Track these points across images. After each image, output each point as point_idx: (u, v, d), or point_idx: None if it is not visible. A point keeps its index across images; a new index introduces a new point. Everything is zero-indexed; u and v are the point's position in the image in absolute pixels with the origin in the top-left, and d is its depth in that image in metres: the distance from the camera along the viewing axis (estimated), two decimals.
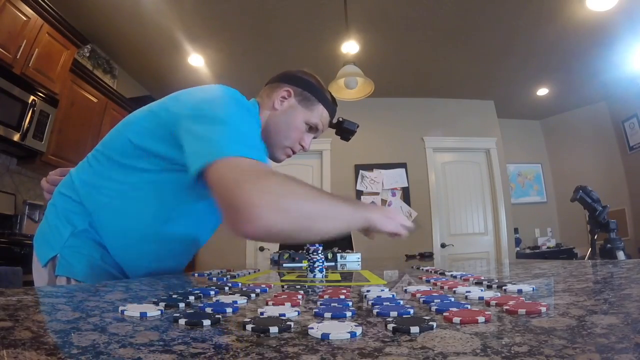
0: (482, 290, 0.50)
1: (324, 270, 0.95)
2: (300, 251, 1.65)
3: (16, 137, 2.45)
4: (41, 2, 2.54)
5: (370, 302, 0.44)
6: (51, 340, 0.28)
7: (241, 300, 0.47)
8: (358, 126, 1.18)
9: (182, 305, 0.43)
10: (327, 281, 0.84)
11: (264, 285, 0.61)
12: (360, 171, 4.47)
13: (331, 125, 1.12)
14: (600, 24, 3.25)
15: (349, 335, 0.28)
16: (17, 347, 0.25)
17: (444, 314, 0.34)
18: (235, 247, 4.23)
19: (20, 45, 2.44)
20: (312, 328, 0.30)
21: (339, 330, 0.29)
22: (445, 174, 4.64)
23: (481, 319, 0.32)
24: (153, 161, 0.82)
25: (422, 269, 1.06)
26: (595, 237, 2.64)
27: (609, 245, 2.53)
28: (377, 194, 4.41)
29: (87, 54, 3.41)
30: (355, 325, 0.30)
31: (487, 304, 0.41)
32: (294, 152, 1.04)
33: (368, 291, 0.53)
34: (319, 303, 0.44)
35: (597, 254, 2.61)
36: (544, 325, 0.29)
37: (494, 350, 0.23)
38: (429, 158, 4.55)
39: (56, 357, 0.24)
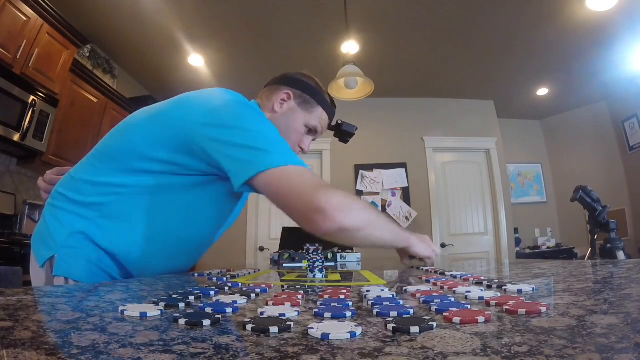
0: (482, 290, 0.50)
1: (324, 270, 0.95)
2: (300, 251, 1.65)
3: (16, 137, 2.46)
4: (41, 2, 2.54)
5: (370, 302, 0.44)
6: (51, 340, 0.28)
7: (241, 300, 0.47)
8: (357, 129, 1.18)
9: (182, 305, 0.43)
10: (327, 281, 0.84)
11: (264, 285, 0.61)
12: (360, 171, 4.47)
13: (330, 127, 1.12)
14: (600, 24, 3.26)
15: (349, 335, 0.28)
16: (17, 347, 0.25)
17: (444, 314, 0.34)
18: (235, 247, 4.23)
19: (20, 45, 2.44)
20: (312, 328, 0.30)
21: (339, 330, 0.29)
22: (445, 174, 4.64)
23: (481, 319, 0.32)
24: (159, 165, 0.82)
25: (422, 269, 1.06)
26: (595, 237, 2.64)
27: (609, 245, 2.53)
28: (377, 194, 4.41)
29: (87, 54, 3.41)
30: (355, 325, 0.30)
31: (487, 304, 0.41)
32: None
33: (368, 291, 0.53)
34: (319, 303, 0.44)
35: (597, 254, 2.61)
36: (544, 325, 0.29)
37: (494, 350, 0.23)
38: (429, 158, 4.55)
39: (56, 357, 0.24)
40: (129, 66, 3.93)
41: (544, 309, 0.34)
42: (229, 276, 0.87)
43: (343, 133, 1.17)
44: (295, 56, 3.73)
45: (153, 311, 0.37)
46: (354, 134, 1.18)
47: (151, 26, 3.23)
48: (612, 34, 3.40)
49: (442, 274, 0.83)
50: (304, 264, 1.43)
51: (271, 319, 0.34)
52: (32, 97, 2.54)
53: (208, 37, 3.46)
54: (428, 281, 0.68)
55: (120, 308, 0.39)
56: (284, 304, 0.43)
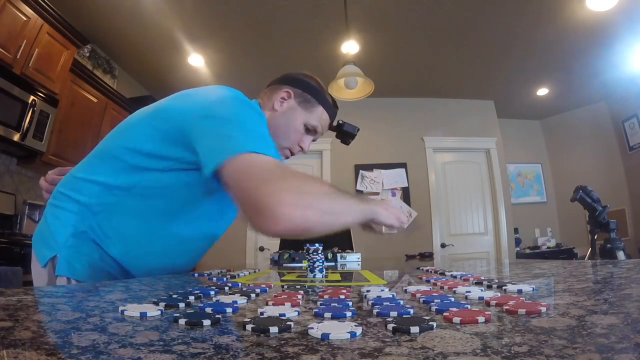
0: (482, 290, 0.50)
1: (324, 270, 0.95)
2: (300, 251, 1.65)
3: (16, 137, 2.45)
4: (41, 2, 2.54)
5: (370, 302, 0.44)
6: (51, 340, 0.28)
7: (241, 300, 0.47)
8: (359, 129, 1.17)
9: (182, 305, 0.43)
10: (327, 281, 0.84)
11: (264, 285, 0.61)
12: (360, 171, 4.47)
13: (331, 127, 1.12)
14: (600, 24, 3.25)
15: (349, 335, 0.28)
16: (17, 347, 0.25)
17: (444, 314, 0.34)
18: (235, 247, 4.23)
19: (20, 45, 2.44)
20: (312, 328, 0.30)
21: (339, 330, 0.29)
22: (445, 174, 4.64)
23: (481, 319, 0.32)
24: (161, 161, 0.82)
25: (422, 269, 1.06)
26: (595, 237, 2.64)
27: (609, 245, 2.53)
28: (377, 194, 4.41)
29: (87, 54, 3.41)
30: (355, 325, 0.30)
31: (487, 304, 0.41)
32: (292, 154, 1.04)
33: (368, 291, 0.53)
34: (319, 303, 0.44)
35: (597, 254, 2.60)
36: (544, 325, 0.29)
37: (494, 350, 0.23)
38: (429, 158, 4.55)
39: (56, 357, 0.24)
40: (129, 66, 3.93)
41: (544, 309, 0.34)
42: (229, 276, 0.87)
43: (344, 134, 1.16)
44: (295, 56, 3.73)
45: (153, 311, 0.37)
46: (356, 135, 1.17)
47: (151, 26, 3.23)
48: (612, 34, 3.40)
49: (442, 274, 0.83)
50: (304, 264, 1.43)
51: (271, 319, 0.34)
52: (32, 97, 2.54)
53: (208, 37, 3.46)
54: (428, 281, 0.68)
55: (120, 308, 0.39)
56: (284, 304, 0.43)
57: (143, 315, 0.36)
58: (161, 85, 4.14)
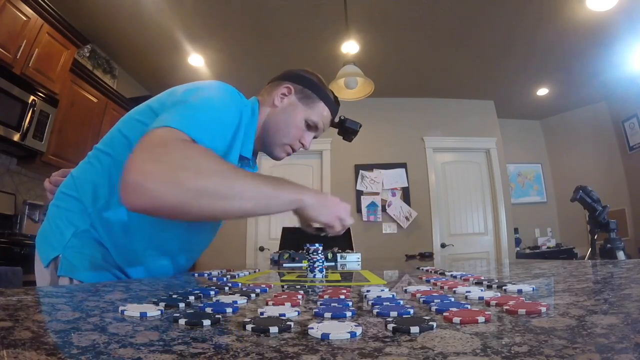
0: (482, 290, 0.50)
1: (324, 270, 0.95)
2: (300, 251, 1.65)
3: (16, 137, 2.45)
4: (41, 2, 2.54)
5: (370, 302, 0.44)
6: (51, 340, 0.28)
7: (241, 300, 0.47)
8: (361, 126, 1.15)
9: (182, 305, 0.43)
10: (327, 281, 0.84)
11: (264, 285, 0.61)
12: (360, 171, 4.47)
13: (333, 124, 1.11)
14: (600, 24, 3.25)
15: (348, 335, 0.28)
16: (17, 347, 0.25)
17: (444, 314, 0.34)
18: (235, 247, 4.23)
19: (20, 45, 2.44)
20: (312, 328, 0.30)
21: (339, 330, 0.29)
22: (445, 174, 4.64)
23: (481, 319, 0.32)
24: None
25: (422, 269, 1.06)
26: (595, 237, 2.64)
27: (609, 245, 2.53)
28: (377, 194, 4.41)
29: (87, 54, 3.41)
30: (355, 325, 0.30)
31: (487, 304, 0.41)
32: (294, 150, 1.03)
33: (368, 291, 0.53)
34: (319, 303, 0.44)
35: (597, 254, 2.60)
36: (544, 325, 0.29)
37: (494, 350, 0.23)
38: (429, 158, 4.55)
39: (56, 357, 0.24)
40: (129, 66, 3.93)
41: (544, 309, 0.34)
42: (229, 276, 0.87)
43: (347, 130, 1.14)
44: (295, 56, 3.73)
45: (153, 311, 0.37)
46: (358, 131, 1.15)
47: (151, 26, 3.23)
48: (612, 34, 3.40)
49: (442, 274, 0.83)
50: (304, 264, 1.43)
51: (271, 319, 0.34)
52: (32, 97, 2.54)
53: (208, 37, 3.46)
54: (428, 281, 0.68)
55: (120, 308, 0.39)
56: (284, 304, 0.43)
57: (143, 315, 0.36)
58: (161, 85, 4.12)
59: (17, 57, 2.42)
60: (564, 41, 3.52)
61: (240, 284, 0.66)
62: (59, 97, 2.79)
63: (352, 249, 1.90)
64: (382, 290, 0.53)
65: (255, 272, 1.09)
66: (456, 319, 0.32)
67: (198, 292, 0.52)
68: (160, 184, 0.57)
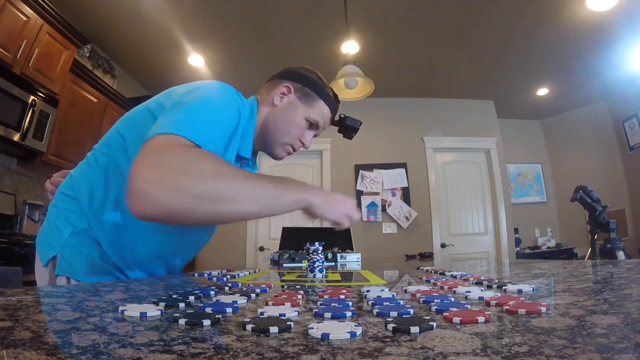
0: (482, 290, 0.50)
1: (324, 270, 0.95)
2: (300, 251, 1.65)
3: (16, 137, 2.45)
4: (41, 2, 2.54)
5: (370, 302, 0.44)
6: (51, 340, 0.28)
7: (241, 300, 0.47)
8: (361, 123, 1.14)
9: (182, 305, 0.43)
10: (327, 281, 0.84)
11: (264, 285, 0.61)
12: (360, 171, 4.47)
13: (333, 122, 1.10)
14: (600, 24, 3.25)
15: (349, 335, 0.28)
16: (17, 347, 0.25)
17: (444, 314, 0.34)
18: (235, 247, 4.23)
19: (20, 45, 2.44)
20: (312, 328, 0.30)
21: (339, 330, 0.29)
22: (445, 174, 4.64)
23: (481, 319, 0.32)
24: None
25: (422, 269, 1.06)
26: (595, 237, 2.64)
27: (609, 245, 2.53)
28: (377, 194, 4.41)
29: (87, 54, 3.41)
30: (355, 325, 0.30)
31: (487, 304, 0.41)
32: (294, 150, 1.02)
33: (368, 291, 0.53)
34: (319, 303, 0.44)
35: (597, 254, 2.60)
36: (544, 325, 0.29)
37: (494, 350, 0.23)
38: (429, 158, 4.55)
39: (56, 357, 0.24)
40: (129, 66, 3.93)
41: (544, 309, 0.34)
42: (229, 276, 0.87)
43: (347, 128, 1.13)
44: (295, 56, 3.73)
45: (153, 311, 0.37)
46: (358, 129, 1.15)
47: (151, 26, 3.23)
48: (612, 34, 3.40)
49: (442, 274, 0.83)
50: (304, 264, 1.43)
51: (271, 319, 0.34)
52: (32, 97, 2.54)
53: (208, 37, 3.46)
54: (428, 281, 0.68)
55: (120, 308, 0.39)
56: (284, 304, 0.43)
57: (143, 315, 0.36)
58: (161, 85, 4.11)
59: (17, 57, 2.42)
60: (564, 41, 3.52)
61: (240, 284, 0.66)
62: (59, 97, 2.79)
63: (352, 249, 1.90)
64: (382, 290, 0.53)
65: (255, 272, 1.09)
66: (456, 319, 0.32)
67: (198, 292, 0.52)
68: (166, 191, 0.58)
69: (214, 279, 0.83)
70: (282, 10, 3.12)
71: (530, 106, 4.99)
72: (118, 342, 0.27)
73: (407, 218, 4.35)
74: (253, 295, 0.53)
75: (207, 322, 0.33)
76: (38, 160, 2.73)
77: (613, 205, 3.24)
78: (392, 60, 3.92)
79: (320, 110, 1.01)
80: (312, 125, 1.01)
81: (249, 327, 0.31)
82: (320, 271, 0.93)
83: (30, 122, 2.52)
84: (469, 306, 0.38)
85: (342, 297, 0.49)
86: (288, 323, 0.32)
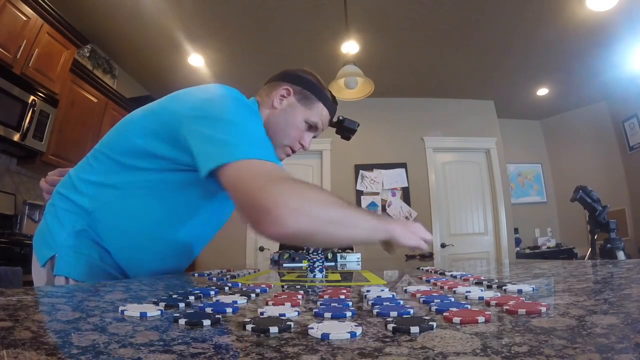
0: (482, 290, 0.50)
1: (324, 270, 0.95)
2: (300, 251, 1.65)
3: (16, 137, 2.45)
4: (41, 2, 2.54)
5: (370, 302, 0.44)
6: (51, 340, 0.28)
7: (241, 300, 0.47)
8: (359, 125, 1.16)
9: (182, 305, 0.43)
10: (327, 281, 0.84)
11: (264, 285, 0.61)
12: (360, 171, 4.47)
13: (331, 124, 1.11)
14: (600, 24, 3.25)
15: (349, 335, 0.28)
16: (17, 347, 0.25)
17: (444, 314, 0.34)
18: (235, 247, 4.23)
19: (20, 45, 2.44)
20: (312, 328, 0.30)
21: (339, 330, 0.29)
22: (445, 174, 4.64)
23: (481, 319, 0.32)
24: (153, 161, 0.82)
25: (422, 269, 1.06)
26: (595, 237, 2.64)
27: (609, 245, 2.53)
28: (377, 194, 4.41)
29: (87, 54, 3.41)
30: (355, 325, 0.30)
31: (487, 304, 0.41)
32: (293, 151, 1.03)
33: (368, 291, 0.53)
34: (319, 303, 0.44)
35: (597, 254, 2.60)
36: (544, 325, 0.29)
37: (494, 350, 0.23)
38: (429, 158, 4.55)
39: (56, 357, 0.24)
40: (129, 66, 3.93)
41: (544, 309, 0.34)
42: (229, 276, 0.87)
43: (345, 129, 1.14)
44: (295, 56, 3.73)
45: (153, 311, 0.37)
46: (356, 130, 1.16)
47: (151, 26, 3.23)
48: (612, 34, 3.40)
49: (442, 274, 0.83)
50: (304, 264, 1.43)
51: (271, 319, 0.34)
52: (32, 97, 2.54)
53: (208, 37, 3.46)
54: (428, 281, 0.68)
55: (120, 308, 0.39)
56: (284, 304, 0.43)
57: (143, 315, 0.36)
58: (161, 85, 4.14)
59: (17, 57, 2.42)
60: (564, 41, 3.52)
61: (240, 284, 0.66)
62: (59, 97, 2.79)
63: (352, 249, 1.90)
64: (382, 290, 0.53)
65: (255, 272, 1.09)
66: (456, 319, 0.32)
67: (198, 292, 0.52)
68: (303, 217, 0.66)
69: (214, 279, 0.83)
70: (282, 10, 3.12)
71: (530, 106, 4.99)
72: (118, 342, 0.27)
73: (407, 218, 4.35)
74: (253, 295, 0.53)
75: (207, 322, 0.33)
76: (38, 160, 2.73)
77: (613, 205, 3.24)
78: (392, 60, 3.91)
79: (319, 112, 1.02)
80: (312, 127, 1.02)
81: (249, 327, 0.31)
82: (320, 271, 0.93)
83: (30, 122, 2.52)
84: (469, 306, 0.38)
85: (342, 297, 0.49)
86: (288, 323, 0.32)
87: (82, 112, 3.12)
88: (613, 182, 4.56)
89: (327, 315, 0.37)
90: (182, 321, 0.33)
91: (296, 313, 0.39)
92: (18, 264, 1.64)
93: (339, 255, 1.73)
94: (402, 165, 4.49)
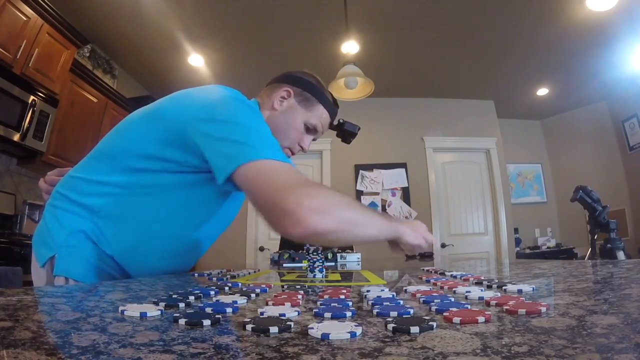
0: (482, 290, 0.50)
1: (324, 270, 0.95)
2: (300, 251, 1.65)
3: (16, 137, 2.45)
4: (41, 2, 2.54)
5: (370, 302, 0.44)
6: (51, 340, 0.28)
7: (241, 300, 0.47)
8: (359, 128, 1.15)
9: (182, 305, 0.43)
10: (327, 281, 0.84)
11: (264, 285, 0.61)
12: (360, 171, 4.47)
13: (332, 127, 1.11)
14: (600, 24, 3.25)
15: (349, 335, 0.28)
16: (17, 347, 0.25)
17: (444, 314, 0.34)
18: (235, 247, 4.23)
19: (20, 45, 2.44)
20: (312, 328, 0.30)
21: (339, 330, 0.29)
22: (445, 174, 4.64)
23: (481, 319, 0.32)
24: (156, 163, 0.82)
25: (422, 269, 1.06)
26: (595, 237, 2.64)
27: (609, 245, 2.53)
28: (377, 194, 4.41)
29: (87, 54, 3.41)
30: (355, 325, 0.30)
31: (487, 304, 0.41)
32: (293, 153, 1.03)
33: (368, 291, 0.53)
34: (319, 303, 0.44)
35: (597, 254, 2.60)
36: (544, 325, 0.29)
37: (494, 350, 0.23)
38: (429, 158, 4.55)
39: (56, 357, 0.24)
40: (129, 66, 3.93)
41: (544, 309, 0.34)
42: (229, 276, 0.87)
43: (345, 132, 1.15)
44: (295, 56, 3.73)
45: (153, 311, 0.37)
46: (357, 134, 1.16)
47: (151, 26, 3.23)
48: (612, 34, 3.40)
49: (442, 274, 0.83)
50: (304, 264, 1.43)
51: (271, 319, 0.34)
52: (32, 97, 2.54)
53: (208, 37, 3.46)
54: (428, 281, 0.68)
55: (120, 308, 0.39)
56: (284, 304, 0.43)
57: (143, 315, 0.36)
58: (161, 85, 4.14)
59: (17, 57, 2.42)
60: (564, 41, 3.52)
61: (240, 284, 0.66)
62: (59, 97, 2.79)
63: (352, 249, 1.90)
64: (382, 290, 0.53)
65: (255, 272, 1.09)
66: (456, 319, 0.32)
67: (198, 292, 0.52)
68: (321, 217, 0.68)
69: (214, 279, 0.83)
70: (282, 10, 3.12)
71: (530, 106, 4.99)
72: (118, 342, 0.27)
73: (407, 218, 4.35)
74: (253, 295, 0.53)
75: (207, 322, 0.33)
76: (38, 160, 2.73)
77: (613, 205, 3.24)
78: (392, 60, 3.91)
79: (319, 115, 1.02)
80: (311, 130, 1.02)
81: (249, 327, 0.31)
82: (320, 271, 0.93)
83: (30, 122, 2.52)
84: (469, 306, 0.38)
85: (342, 297, 0.49)
86: (288, 323, 0.32)
87: (82, 112, 3.12)
88: (613, 182, 4.56)
89: (327, 315, 0.37)
90: (182, 321, 0.33)
91: (296, 313, 0.39)
92: (18, 264, 1.64)
93: (339, 255, 1.73)
94: (402, 165, 4.49)
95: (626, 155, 4.56)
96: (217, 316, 0.35)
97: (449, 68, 4.09)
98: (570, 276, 0.68)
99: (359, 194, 4.41)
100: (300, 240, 0.70)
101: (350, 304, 0.43)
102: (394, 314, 0.36)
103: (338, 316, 0.36)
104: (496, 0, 3.03)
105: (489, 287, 0.55)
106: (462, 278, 0.70)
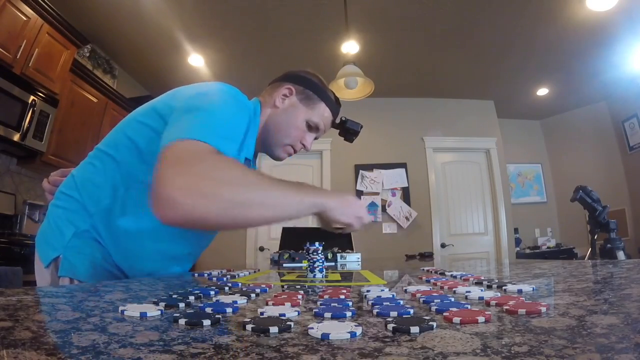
0: (482, 290, 0.50)
1: (324, 270, 0.95)
2: (300, 251, 1.65)
3: (16, 137, 2.45)
4: (41, 2, 2.54)
5: (370, 302, 0.44)
6: (51, 340, 0.28)
7: (241, 300, 0.47)
8: (362, 126, 1.15)
9: (182, 305, 0.43)
10: (327, 281, 0.84)
11: (264, 285, 0.60)
12: (360, 171, 4.47)
13: (334, 125, 1.11)
14: (600, 24, 3.25)
15: (348, 335, 0.28)
16: (17, 347, 0.25)
17: (444, 314, 0.34)
18: (235, 247, 4.23)
19: (20, 45, 2.44)
20: (312, 328, 0.30)
21: (339, 330, 0.29)
22: (445, 174, 4.64)
23: (481, 319, 0.32)
24: (154, 158, 0.81)
25: (423, 269, 1.06)
26: (595, 237, 2.64)
27: (609, 245, 2.53)
28: (377, 194, 4.41)
29: (87, 54, 3.41)
30: (355, 325, 0.30)
31: (487, 304, 0.41)
32: (295, 151, 1.03)
33: (368, 291, 0.53)
34: (319, 303, 0.44)
35: (597, 254, 2.60)
36: (544, 325, 0.29)
37: (494, 350, 0.23)
38: (429, 158, 4.55)
39: (56, 357, 0.24)
40: (129, 66, 3.93)
41: (544, 309, 0.34)
42: (229, 276, 0.87)
43: (347, 131, 1.14)
44: (295, 56, 3.73)
45: (153, 311, 0.37)
46: (359, 132, 1.15)
47: (151, 26, 3.23)
48: (612, 34, 3.40)
49: (442, 274, 0.83)
50: (304, 264, 1.43)
51: (271, 319, 0.34)
52: (32, 97, 2.54)
53: (208, 37, 3.46)
54: (428, 281, 0.68)
55: (120, 308, 0.39)
56: (284, 304, 0.43)
57: (143, 315, 0.36)
58: (161, 85, 4.13)
59: (17, 57, 2.42)
60: (564, 41, 3.52)
61: (240, 284, 0.66)
62: (59, 97, 2.79)
63: (352, 249, 1.90)
64: (382, 290, 0.53)
65: (255, 272, 1.09)
66: (456, 319, 0.32)
67: (198, 292, 0.52)
68: (195, 198, 0.58)
69: (214, 279, 0.83)
70: (282, 10, 3.12)
71: (530, 106, 4.99)
72: (118, 342, 0.27)
73: (407, 218, 4.35)
74: (253, 295, 0.53)
75: (207, 322, 0.33)
76: (38, 160, 2.73)
77: (613, 205, 3.24)
78: (392, 60, 3.92)
79: (321, 113, 1.02)
80: (313, 128, 1.02)
81: (249, 327, 0.31)
82: (320, 271, 0.93)
83: (30, 122, 2.52)
84: (469, 306, 0.38)
85: (342, 297, 0.49)
86: (288, 323, 0.32)
87: (82, 112, 3.12)
88: (613, 182, 4.56)
89: (327, 315, 0.37)
90: (182, 321, 0.33)
91: (296, 313, 0.39)
92: (18, 264, 1.65)
93: (339, 255, 1.73)
94: (402, 165, 4.49)
95: (626, 155, 4.56)
96: (217, 316, 0.35)
97: (449, 68, 4.09)
98: (570, 276, 0.68)
99: (359, 193, 4.40)
100: (175, 225, 0.62)
101: (350, 304, 0.43)
102: (394, 314, 0.36)
103: (338, 316, 0.36)
104: (496, 0, 3.03)
105: (489, 287, 0.55)
106: (462, 278, 0.70)
